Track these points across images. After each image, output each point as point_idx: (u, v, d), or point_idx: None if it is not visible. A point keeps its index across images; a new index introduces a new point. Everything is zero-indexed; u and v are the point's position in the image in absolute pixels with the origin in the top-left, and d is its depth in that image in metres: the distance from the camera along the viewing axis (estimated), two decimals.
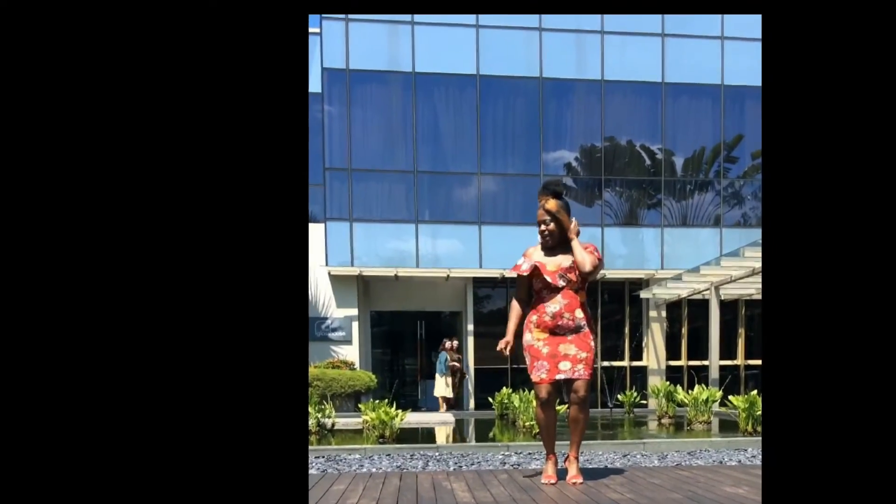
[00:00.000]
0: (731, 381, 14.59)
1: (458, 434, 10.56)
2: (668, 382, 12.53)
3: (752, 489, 4.05)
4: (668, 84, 16.03)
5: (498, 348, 4.37)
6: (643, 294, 16.28)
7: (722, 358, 14.29)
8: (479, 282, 16.33)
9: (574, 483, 4.30)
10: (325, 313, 15.91)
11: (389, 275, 15.80)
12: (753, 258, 12.09)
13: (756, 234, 13.98)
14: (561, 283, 4.28)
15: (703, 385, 11.33)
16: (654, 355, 16.83)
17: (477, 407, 15.61)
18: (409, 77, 15.47)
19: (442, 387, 14.92)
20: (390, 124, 15.74)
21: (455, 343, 15.42)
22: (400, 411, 8.51)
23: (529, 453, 6.92)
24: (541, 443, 4.71)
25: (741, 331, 16.96)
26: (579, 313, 4.30)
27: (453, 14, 14.71)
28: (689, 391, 10.77)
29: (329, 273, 15.69)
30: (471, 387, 16.11)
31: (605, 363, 16.16)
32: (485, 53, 15.56)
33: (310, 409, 8.83)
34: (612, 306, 16.99)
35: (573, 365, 4.27)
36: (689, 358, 16.75)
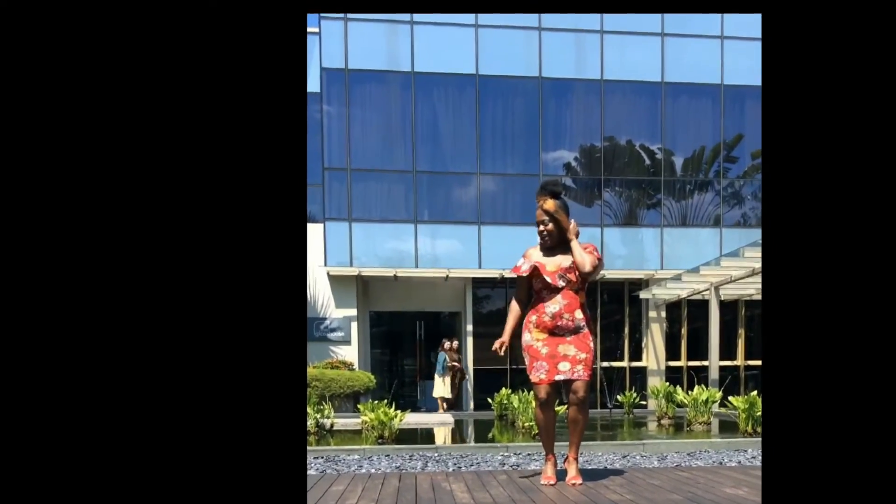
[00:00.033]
0: (730, 382, 14.57)
1: (458, 435, 10.54)
2: (667, 383, 12.54)
3: (751, 490, 4.04)
4: (668, 84, 16.01)
5: (493, 348, 4.36)
6: (643, 294, 16.26)
7: (722, 358, 14.26)
8: (478, 282, 16.30)
9: (573, 484, 4.29)
10: (323, 313, 15.89)
11: (388, 275, 15.78)
12: (753, 258, 12.09)
13: (756, 234, 13.99)
14: (561, 283, 4.28)
15: (703, 386, 11.36)
16: (653, 356, 16.81)
17: (476, 407, 15.60)
18: (408, 77, 15.45)
19: (441, 387, 14.88)
20: (389, 124, 15.71)
21: (455, 343, 15.39)
22: (399, 412, 8.51)
23: (529, 454, 6.93)
24: (540, 444, 4.70)
25: (741, 331, 16.95)
26: (579, 314, 4.30)
27: (452, 13, 14.71)
28: (689, 392, 10.78)
29: (328, 273, 15.66)
30: (470, 387, 16.07)
31: (605, 364, 16.14)
32: (484, 53, 15.55)
33: (308, 410, 8.82)
34: (612, 307, 16.98)
35: (572, 366, 4.26)
36: (689, 358, 16.74)
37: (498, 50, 15.61)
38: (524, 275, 4.35)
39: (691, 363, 16.59)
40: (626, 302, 16.87)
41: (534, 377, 4.32)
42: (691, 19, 15.58)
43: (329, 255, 15.54)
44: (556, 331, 4.29)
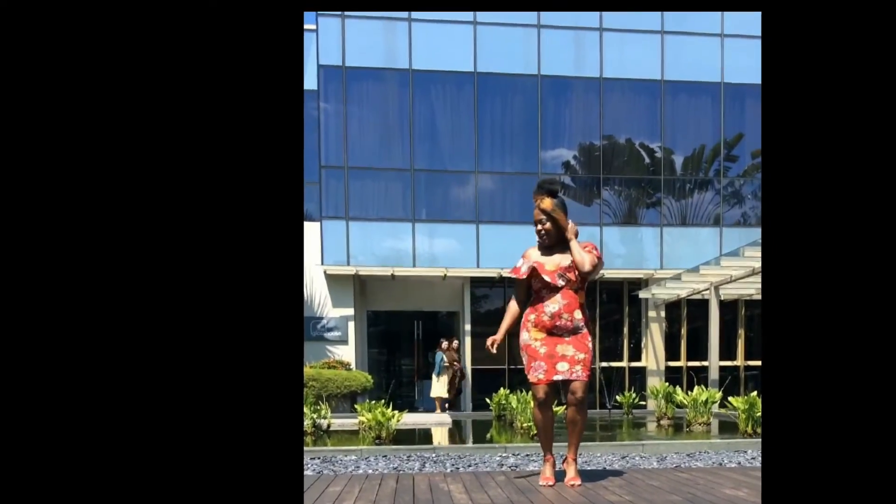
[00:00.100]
0: (730, 382, 14.57)
1: (456, 435, 10.54)
2: (667, 383, 12.56)
3: (751, 491, 4.04)
4: (668, 82, 15.99)
5: (486, 345, 4.37)
6: (642, 294, 16.25)
7: (721, 358, 14.25)
8: (476, 281, 16.28)
9: (572, 485, 4.28)
10: (320, 313, 15.87)
11: (386, 274, 15.75)
12: (753, 258, 12.07)
13: (756, 233, 13.98)
14: (560, 282, 4.26)
15: (703, 386, 11.40)
16: (653, 356, 16.79)
17: (474, 408, 15.55)
18: (405, 74, 15.44)
19: (439, 387, 14.82)
20: (387, 122, 15.70)
21: (455, 343, 15.34)
22: (396, 412, 8.50)
23: (527, 455, 6.92)
24: (538, 444, 4.69)
25: (741, 331, 16.95)
26: (578, 314, 4.28)
27: (451, 10, 14.69)
28: (689, 392, 10.79)
29: (325, 272, 15.63)
30: (468, 387, 16.02)
31: (604, 364, 16.11)
32: (482, 50, 15.53)
33: (305, 410, 8.78)
34: (611, 306, 16.98)
35: (571, 366, 4.25)
36: (689, 358, 16.73)
37: (496, 47, 15.59)
38: (523, 277, 4.34)
39: (691, 363, 16.59)
40: (626, 302, 16.87)
41: (532, 377, 4.30)
42: (691, 17, 15.59)
43: (326, 254, 15.50)
44: (554, 330, 4.27)
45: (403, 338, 17.97)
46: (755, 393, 9.03)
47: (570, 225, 4.30)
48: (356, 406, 9.44)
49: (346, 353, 15.79)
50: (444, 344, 14.99)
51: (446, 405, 14.94)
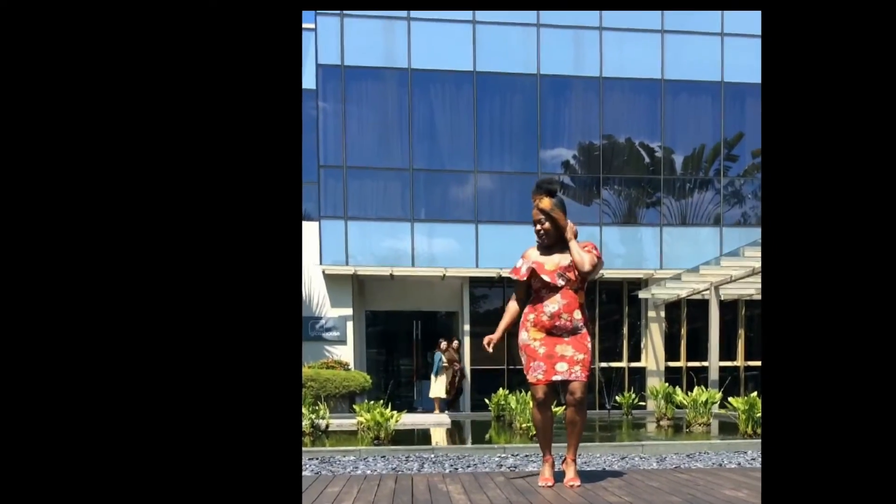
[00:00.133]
0: (730, 383, 14.56)
1: (455, 436, 10.52)
2: (666, 384, 12.58)
3: (751, 492, 4.04)
4: (668, 81, 15.96)
5: (483, 343, 4.40)
6: (642, 294, 16.23)
7: (721, 359, 14.23)
8: (475, 281, 16.25)
9: (571, 486, 4.28)
10: (319, 313, 15.84)
11: (384, 274, 15.72)
12: (753, 258, 12.06)
13: (756, 233, 13.97)
14: (560, 282, 4.26)
15: (703, 386, 11.41)
16: (652, 356, 16.77)
17: (473, 408, 15.52)
18: (404, 73, 15.42)
19: (437, 388, 14.80)
20: (386, 121, 15.67)
21: (455, 343, 15.31)
22: (395, 412, 8.49)
23: (526, 455, 6.91)
24: (538, 445, 4.69)
25: (741, 331, 16.93)
26: (577, 314, 4.28)
27: (450, 10, 14.68)
28: (689, 392, 10.78)
29: (323, 272, 15.60)
30: (467, 388, 15.99)
31: (603, 364, 16.12)
32: (482, 50, 15.50)
33: (304, 410, 8.77)
34: (611, 306, 16.96)
35: (570, 366, 4.25)
36: (689, 359, 16.71)
37: (496, 47, 15.56)
38: (524, 279, 4.35)
39: (691, 364, 16.56)
40: (625, 302, 16.84)
41: (531, 377, 4.31)
42: (691, 16, 15.59)
43: (324, 254, 15.47)
44: (553, 331, 4.27)
45: (402, 338, 17.94)
46: (755, 393, 9.03)
47: (570, 225, 4.29)
48: (355, 406, 9.44)
49: (345, 353, 15.76)
50: (443, 344, 14.96)
51: (447, 405, 14.91)
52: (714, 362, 13.75)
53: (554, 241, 4.31)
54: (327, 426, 9.23)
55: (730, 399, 9.32)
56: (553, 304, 4.25)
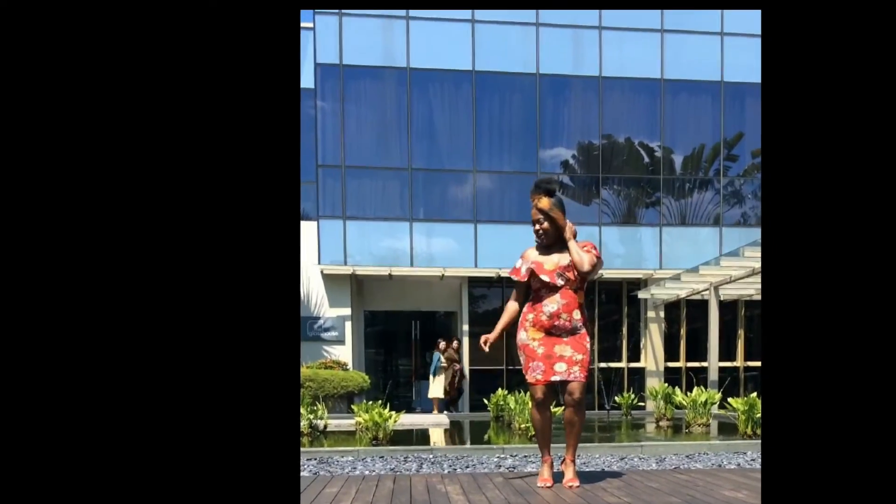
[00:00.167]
0: (730, 383, 14.50)
1: (453, 436, 10.52)
2: (666, 384, 12.55)
3: (751, 493, 4.04)
4: (668, 81, 15.93)
5: (479, 343, 4.43)
6: (641, 294, 16.20)
7: (721, 359, 14.19)
8: (474, 281, 16.22)
9: (570, 486, 4.29)
10: (317, 313, 15.81)
11: (383, 274, 15.70)
12: (753, 258, 12.04)
13: (756, 233, 13.99)
14: (560, 281, 4.26)
15: (702, 387, 11.35)
16: (652, 356, 16.74)
17: (472, 408, 15.48)
18: (403, 73, 15.40)
19: (435, 388, 14.77)
20: (384, 121, 15.64)
21: (455, 343, 15.28)
22: (394, 413, 8.47)
23: (525, 456, 6.90)
24: (536, 445, 4.69)
25: (741, 332, 16.91)
26: (577, 314, 4.29)
27: (449, 9, 14.66)
28: (688, 393, 10.73)
29: (322, 272, 15.57)
30: (466, 388, 15.95)
31: (603, 364, 16.10)
32: (481, 49, 15.47)
33: (302, 411, 8.73)
34: (610, 307, 16.94)
35: (568, 367, 4.25)
36: (688, 359, 16.69)
37: (495, 46, 15.53)
38: (524, 280, 4.36)
39: (690, 364, 16.53)
40: (625, 302, 16.82)
41: (530, 377, 4.31)
42: (691, 15, 15.57)
43: (323, 254, 15.45)
44: (552, 330, 4.28)
45: (401, 338, 17.92)
46: (755, 394, 9.01)
47: (569, 225, 4.30)
48: (353, 406, 9.43)
49: (343, 353, 15.72)
50: (442, 344, 14.93)
51: (446, 405, 14.87)
52: (713, 363, 13.73)
53: (553, 241, 4.31)
54: (325, 426, 9.21)
55: (729, 400, 9.29)
56: (552, 304, 4.25)
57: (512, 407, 9.55)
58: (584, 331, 4.32)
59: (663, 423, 11.17)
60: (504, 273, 14.37)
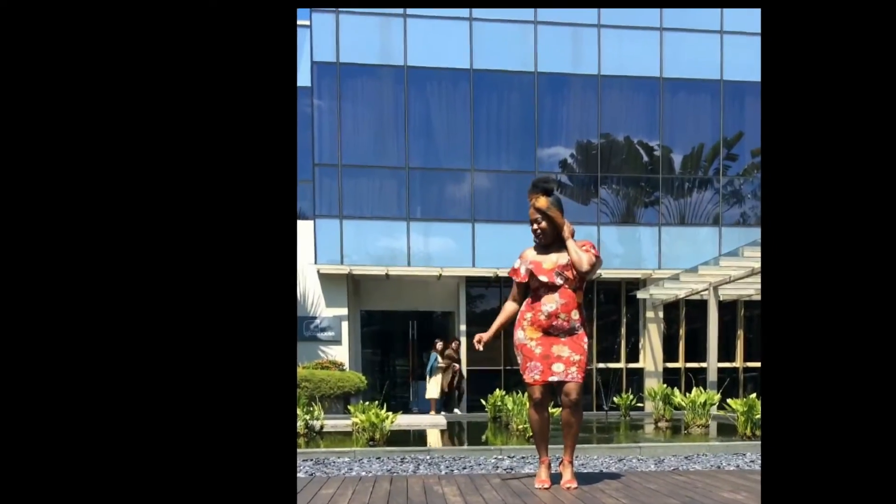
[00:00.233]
0: (729, 384, 14.51)
1: (451, 437, 10.50)
2: (665, 385, 12.60)
3: (750, 495, 4.06)
4: (667, 79, 15.92)
5: (473, 341, 4.43)
6: (640, 294, 16.18)
7: (720, 360, 14.20)
8: (471, 281, 16.20)
9: (568, 488, 4.29)
10: (313, 312, 15.78)
11: (380, 273, 15.67)
12: (753, 258, 12.04)
13: (756, 233, 14.01)
14: (559, 280, 4.27)
15: (701, 388, 11.36)
16: (650, 357, 16.71)
17: (470, 409, 15.44)
18: (400, 71, 15.36)
19: (432, 388, 14.73)
20: (381, 119, 15.62)
21: (455, 344, 15.25)
22: (390, 413, 8.46)
23: (523, 457, 6.92)
24: (534, 447, 4.68)
25: (740, 332, 16.90)
26: (575, 314, 4.30)
27: (446, 7, 14.66)
28: (687, 394, 10.74)
29: (318, 271, 15.55)
30: (465, 388, 15.91)
31: (601, 365, 16.09)
32: (478, 47, 15.45)
33: (298, 411, 8.75)
34: (609, 307, 16.92)
35: (566, 367, 4.26)
36: (687, 360, 16.68)
37: (493, 44, 15.51)
38: (524, 281, 4.36)
39: (689, 365, 16.52)
40: (623, 302, 16.79)
41: (528, 377, 4.32)
42: (690, 13, 15.59)
43: (319, 253, 15.43)
44: (550, 330, 4.28)
45: (398, 338, 17.93)
46: (754, 395, 9.05)
47: (567, 225, 4.30)
48: (349, 407, 9.43)
49: (340, 353, 15.69)
50: (439, 345, 14.89)
51: (443, 404, 14.82)
52: (712, 363, 13.73)
53: (551, 241, 4.32)
54: (322, 427, 9.19)
55: (728, 400, 9.32)
56: (551, 304, 4.25)
57: (510, 408, 9.56)
58: (582, 331, 4.32)
59: (662, 424, 11.19)
60: (502, 273, 14.37)
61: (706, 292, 14.05)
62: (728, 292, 15.06)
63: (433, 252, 15.83)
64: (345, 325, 15.85)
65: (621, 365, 16.71)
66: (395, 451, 7.33)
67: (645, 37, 15.72)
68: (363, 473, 5.81)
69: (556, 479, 4.42)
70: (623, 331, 16.81)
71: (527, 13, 15.40)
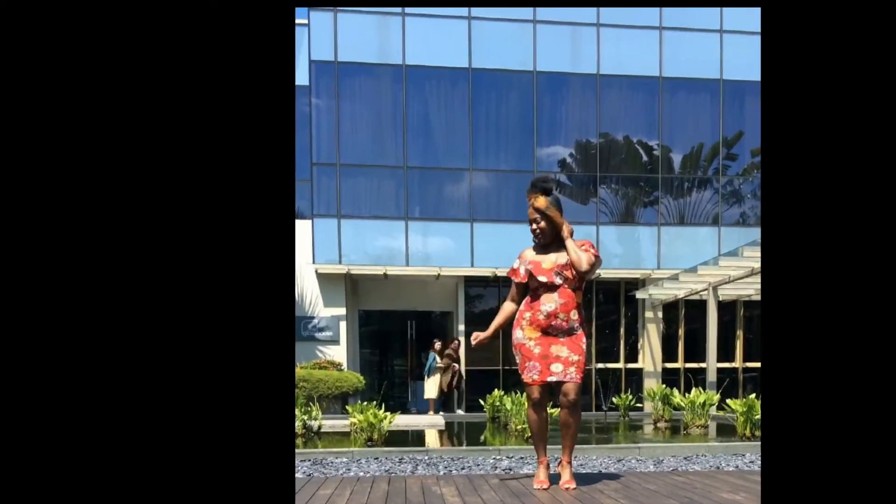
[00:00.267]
0: (728, 384, 14.49)
1: (449, 437, 10.50)
2: (664, 385, 12.61)
3: (750, 496, 4.05)
4: (666, 79, 15.92)
5: (471, 338, 4.44)
6: (639, 294, 16.19)
7: (719, 360, 14.20)
8: (470, 281, 16.20)
9: (567, 488, 4.28)
10: (311, 312, 15.77)
11: (378, 273, 15.66)
12: (752, 258, 12.05)
13: (755, 233, 14.02)
14: (558, 280, 4.26)
15: (700, 388, 11.34)
16: (649, 357, 16.71)
17: (468, 409, 15.43)
18: (399, 70, 15.35)
19: (430, 388, 14.71)
20: (380, 118, 15.61)
21: (455, 344, 15.23)
22: (389, 413, 8.45)
23: (521, 457, 6.91)
24: (533, 447, 4.67)
25: (739, 332, 16.90)
26: (574, 314, 4.30)
27: (445, 6, 14.65)
28: (686, 394, 10.74)
29: (316, 271, 15.54)
30: (464, 388, 15.91)
31: (600, 365, 16.09)
32: (477, 46, 15.44)
33: (296, 412, 8.73)
34: (608, 307, 16.91)
35: (564, 368, 4.26)
36: (686, 360, 16.68)
37: (491, 43, 15.50)
38: (524, 281, 4.35)
39: (688, 365, 16.53)
40: (622, 302, 16.78)
41: (526, 377, 4.32)
42: (690, 13, 15.59)
43: (317, 253, 15.41)
44: (549, 330, 4.28)
45: (396, 338, 17.95)
46: (753, 395, 9.04)
47: (566, 224, 4.30)
48: (347, 407, 9.44)
49: (338, 353, 15.68)
50: (437, 345, 14.88)
51: (441, 404, 14.81)
52: (712, 364, 13.74)
53: (550, 240, 4.32)
54: (320, 427, 9.18)
55: (728, 401, 9.31)
56: (550, 303, 4.24)
57: (508, 408, 9.57)
58: (580, 331, 4.31)
59: (661, 425, 11.20)
60: (500, 272, 14.35)
61: (705, 292, 14.06)
62: (727, 292, 15.06)
63: (432, 252, 15.82)
64: (343, 324, 15.84)
65: (620, 365, 16.70)
66: (394, 451, 7.32)
67: (644, 36, 15.72)
68: (361, 474, 5.80)
69: (554, 479, 4.41)
70: (622, 331, 16.80)
71: (526, 12, 15.40)
